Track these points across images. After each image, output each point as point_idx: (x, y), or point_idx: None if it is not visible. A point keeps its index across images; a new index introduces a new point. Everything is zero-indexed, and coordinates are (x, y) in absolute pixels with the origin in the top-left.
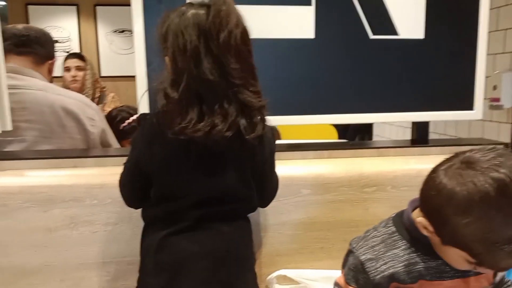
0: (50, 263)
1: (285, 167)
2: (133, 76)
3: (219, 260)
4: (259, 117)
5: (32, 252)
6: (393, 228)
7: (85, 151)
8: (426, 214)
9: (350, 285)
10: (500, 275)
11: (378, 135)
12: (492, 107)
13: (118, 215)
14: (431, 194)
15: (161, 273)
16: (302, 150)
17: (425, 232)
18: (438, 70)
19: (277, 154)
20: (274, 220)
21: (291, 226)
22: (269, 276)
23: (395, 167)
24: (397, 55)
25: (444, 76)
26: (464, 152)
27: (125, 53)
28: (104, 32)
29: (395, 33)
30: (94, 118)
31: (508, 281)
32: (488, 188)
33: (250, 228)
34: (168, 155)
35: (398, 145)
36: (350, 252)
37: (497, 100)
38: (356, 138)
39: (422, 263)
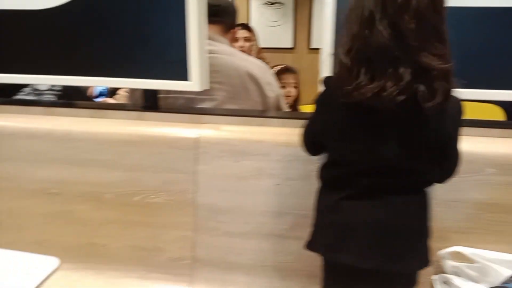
0: (237, 206)
1: (468, 143)
2: (280, 48)
3: (387, 230)
4: (441, 83)
5: (224, 195)
6: None
7: (270, 112)
8: None
9: None
10: None
11: None
12: None
13: (298, 172)
14: None
15: (332, 232)
16: (486, 127)
17: None
18: None
19: None
20: (450, 196)
21: (469, 204)
22: (442, 251)
23: None
24: None
25: None
26: None
27: (274, 25)
28: (256, 4)
29: None
30: (272, 83)
31: None
32: None
33: (426, 201)
34: (337, 120)
35: None
36: None
37: None
38: None
39: None
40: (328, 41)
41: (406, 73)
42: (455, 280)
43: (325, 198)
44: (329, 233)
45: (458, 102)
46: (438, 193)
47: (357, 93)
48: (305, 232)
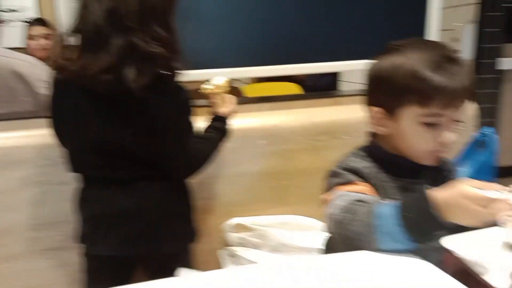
0: (2, 226)
1: (240, 120)
2: None
3: (133, 217)
4: (151, 65)
5: None
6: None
7: (35, 112)
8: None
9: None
10: None
11: None
12: None
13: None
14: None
15: (86, 224)
16: (257, 103)
17: (381, 128)
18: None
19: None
20: (230, 171)
21: (247, 176)
22: (223, 225)
23: (349, 115)
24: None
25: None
26: None
27: None
28: None
29: None
30: (45, 80)
31: None
32: None
33: (177, 187)
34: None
35: (353, 93)
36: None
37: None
38: None
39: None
40: None
41: (113, 54)
42: (239, 250)
43: (80, 190)
44: (85, 225)
45: (180, 88)
46: (220, 170)
47: (66, 72)
48: None
